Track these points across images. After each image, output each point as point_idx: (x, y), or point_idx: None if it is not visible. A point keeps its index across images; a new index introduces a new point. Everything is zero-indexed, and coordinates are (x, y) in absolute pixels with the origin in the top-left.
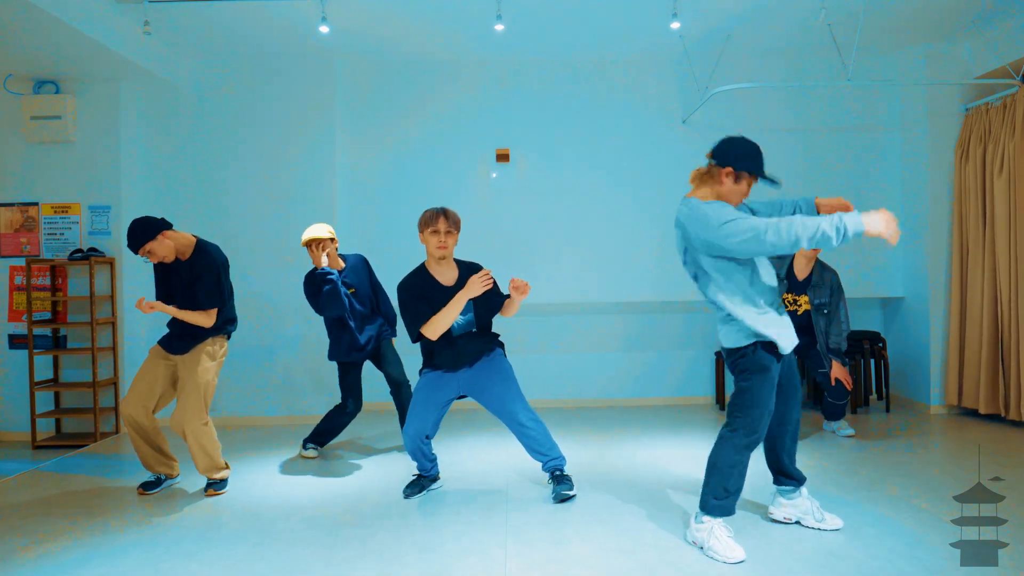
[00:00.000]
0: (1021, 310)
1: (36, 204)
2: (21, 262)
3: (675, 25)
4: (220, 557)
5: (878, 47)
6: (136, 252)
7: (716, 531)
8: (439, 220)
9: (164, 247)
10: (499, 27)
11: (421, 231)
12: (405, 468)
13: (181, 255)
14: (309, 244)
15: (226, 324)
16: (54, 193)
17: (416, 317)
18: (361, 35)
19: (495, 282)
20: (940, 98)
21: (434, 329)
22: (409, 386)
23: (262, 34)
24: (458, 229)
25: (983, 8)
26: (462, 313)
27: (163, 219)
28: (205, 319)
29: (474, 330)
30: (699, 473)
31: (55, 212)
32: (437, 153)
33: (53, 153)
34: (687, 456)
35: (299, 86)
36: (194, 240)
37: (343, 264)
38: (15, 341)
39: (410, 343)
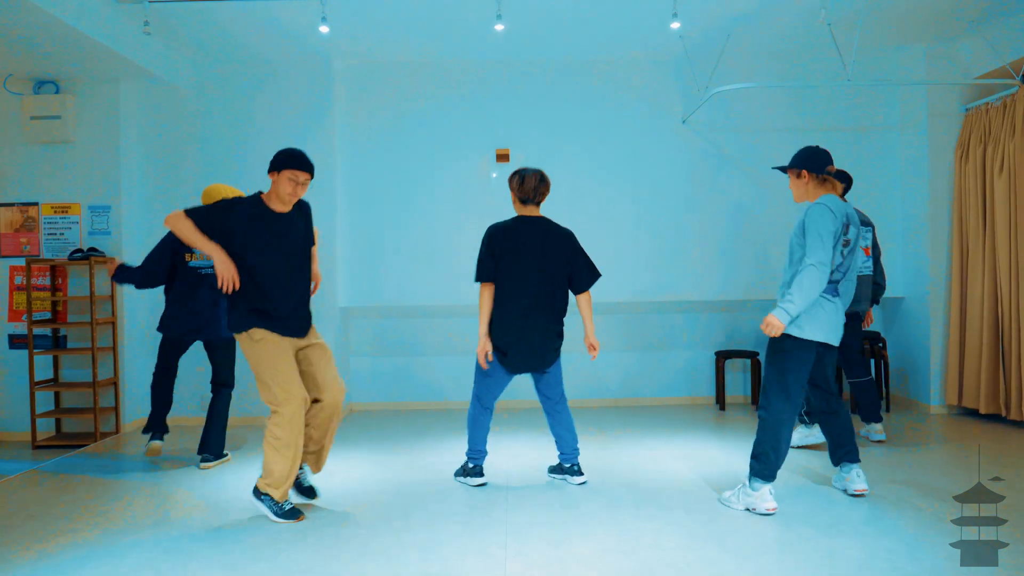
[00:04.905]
0: (1021, 310)
1: (36, 204)
2: (21, 262)
3: (675, 25)
4: (220, 557)
5: (878, 47)
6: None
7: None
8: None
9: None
10: (499, 27)
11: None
12: (405, 468)
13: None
14: None
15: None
16: (54, 193)
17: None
18: (360, 36)
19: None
20: (940, 98)
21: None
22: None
23: (262, 34)
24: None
25: (983, 8)
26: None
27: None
28: None
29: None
30: (699, 473)
31: (55, 212)
32: (437, 153)
33: (53, 153)
34: (687, 456)
35: (299, 86)
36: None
37: None
38: (15, 341)
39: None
